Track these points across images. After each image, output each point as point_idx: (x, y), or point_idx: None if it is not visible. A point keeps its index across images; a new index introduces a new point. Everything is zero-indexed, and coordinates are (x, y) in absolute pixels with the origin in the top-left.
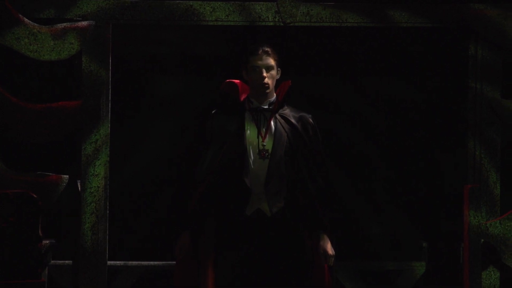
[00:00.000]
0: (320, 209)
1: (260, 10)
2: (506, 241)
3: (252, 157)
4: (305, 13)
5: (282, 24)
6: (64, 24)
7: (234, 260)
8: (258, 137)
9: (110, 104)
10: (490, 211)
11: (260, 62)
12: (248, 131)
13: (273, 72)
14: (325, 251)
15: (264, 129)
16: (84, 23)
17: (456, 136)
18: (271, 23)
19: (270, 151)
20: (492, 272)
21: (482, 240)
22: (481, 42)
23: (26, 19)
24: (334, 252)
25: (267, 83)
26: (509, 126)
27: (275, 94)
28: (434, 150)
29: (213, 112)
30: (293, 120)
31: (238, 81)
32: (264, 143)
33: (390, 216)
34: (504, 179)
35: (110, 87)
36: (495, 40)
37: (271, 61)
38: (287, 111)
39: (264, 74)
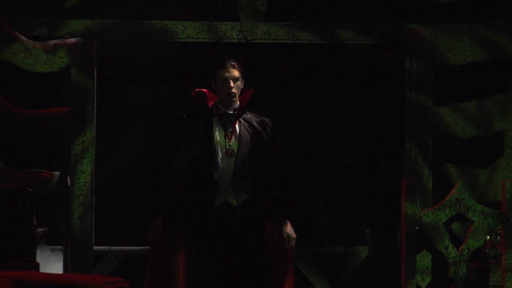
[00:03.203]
0: (281, 199)
1: (225, 29)
2: (437, 228)
3: (220, 156)
4: (264, 31)
5: (245, 41)
6: (55, 40)
7: (203, 246)
8: (225, 139)
9: (95, 110)
10: (423, 203)
11: (227, 74)
12: (216, 133)
13: (239, 82)
14: (288, 234)
15: (230, 131)
16: (73, 40)
17: (396, 139)
18: (235, 40)
19: (235, 150)
20: (425, 255)
21: (417, 227)
22: (415, 57)
23: (22, 36)
24: (295, 235)
25: (234, 92)
26: (439, 130)
27: (239, 101)
28: (377, 151)
29: (184, 116)
30: (255, 124)
31: (206, 90)
32: (230, 144)
33: (339, 207)
34: (435, 176)
35: (95, 95)
36: (428, 55)
37: (237, 73)
38: (249, 116)
39: (231, 84)
